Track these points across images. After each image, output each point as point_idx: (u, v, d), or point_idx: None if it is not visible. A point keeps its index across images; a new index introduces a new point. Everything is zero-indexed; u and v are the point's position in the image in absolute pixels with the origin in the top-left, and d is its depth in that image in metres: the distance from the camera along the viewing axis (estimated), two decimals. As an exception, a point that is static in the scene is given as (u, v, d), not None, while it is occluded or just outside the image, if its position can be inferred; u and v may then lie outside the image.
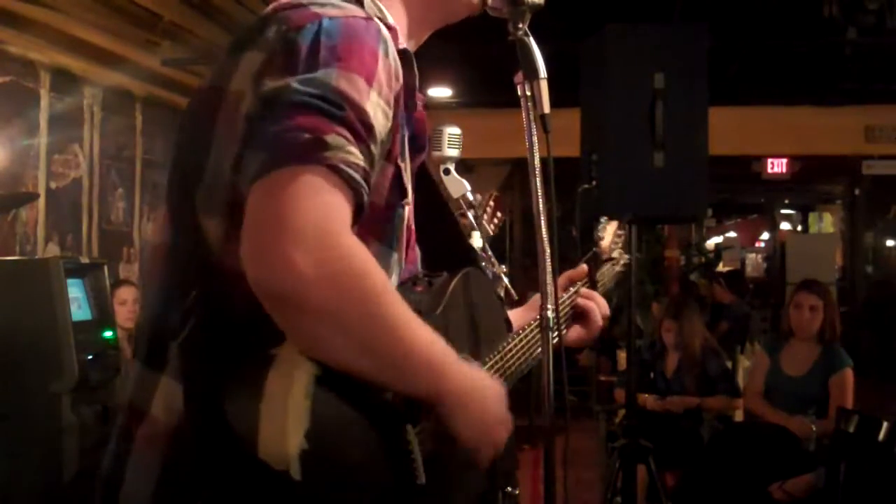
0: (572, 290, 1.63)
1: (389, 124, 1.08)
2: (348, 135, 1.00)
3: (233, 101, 1.06)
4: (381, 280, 1.01)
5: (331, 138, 0.99)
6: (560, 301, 1.50)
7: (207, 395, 0.99)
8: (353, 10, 1.10)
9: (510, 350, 1.40)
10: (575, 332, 1.62)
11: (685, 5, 5.36)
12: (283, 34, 1.06)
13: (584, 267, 1.68)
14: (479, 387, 1.14)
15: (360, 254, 0.99)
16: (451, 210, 1.43)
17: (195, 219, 1.07)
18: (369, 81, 1.04)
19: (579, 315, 1.63)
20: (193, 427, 1.01)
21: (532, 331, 1.45)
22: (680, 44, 3.19)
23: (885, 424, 3.36)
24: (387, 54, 1.08)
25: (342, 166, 0.99)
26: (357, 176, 1.00)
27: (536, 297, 1.50)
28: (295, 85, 1.00)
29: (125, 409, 1.11)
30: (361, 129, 1.02)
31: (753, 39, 6.41)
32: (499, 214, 2.03)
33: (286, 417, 0.96)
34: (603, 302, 1.65)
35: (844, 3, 5.04)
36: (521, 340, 1.43)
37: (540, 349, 1.43)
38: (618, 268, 1.87)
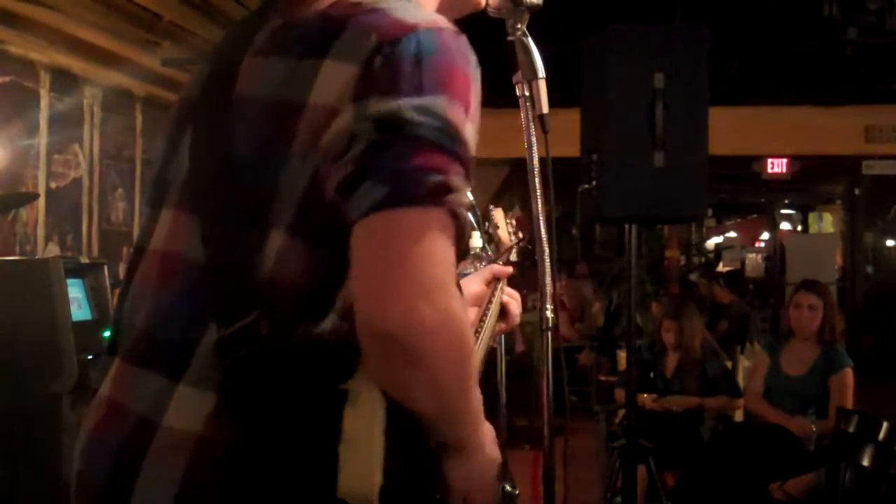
0: (498, 286, 1.68)
1: None
2: (462, 173, 0.99)
3: (319, 116, 1.00)
4: (472, 338, 1.05)
5: (454, 180, 0.98)
6: (491, 302, 1.58)
7: (265, 419, 0.99)
8: (439, 18, 1.05)
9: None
10: (497, 326, 1.68)
11: (685, 6, 5.36)
12: (377, 47, 0.99)
13: (507, 268, 1.71)
14: (490, 446, 1.15)
15: (466, 310, 1.03)
16: None
17: (255, 234, 1.02)
18: (467, 111, 1.01)
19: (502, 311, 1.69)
20: (241, 446, 0.99)
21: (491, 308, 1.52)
22: (680, 44, 3.19)
23: (885, 424, 3.36)
24: (476, 78, 1.04)
25: (459, 210, 0.98)
26: (464, 220, 1.01)
27: (464, 282, 1.57)
28: (411, 114, 0.96)
29: (128, 417, 1.06)
30: (469, 165, 1.01)
31: (753, 39, 6.41)
32: (519, 234, 2.05)
33: (370, 457, 0.97)
34: (517, 296, 1.70)
35: (844, 3, 5.04)
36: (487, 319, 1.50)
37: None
38: (520, 243, 1.93)
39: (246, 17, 1.25)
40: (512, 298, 1.68)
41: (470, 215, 2.49)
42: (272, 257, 1.00)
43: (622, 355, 5.42)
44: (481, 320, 1.52)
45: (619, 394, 4.64)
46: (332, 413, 0.97)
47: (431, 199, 0.96)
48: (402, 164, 0.95)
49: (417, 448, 1.05)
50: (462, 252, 1.04)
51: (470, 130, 1.01)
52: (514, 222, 2.72)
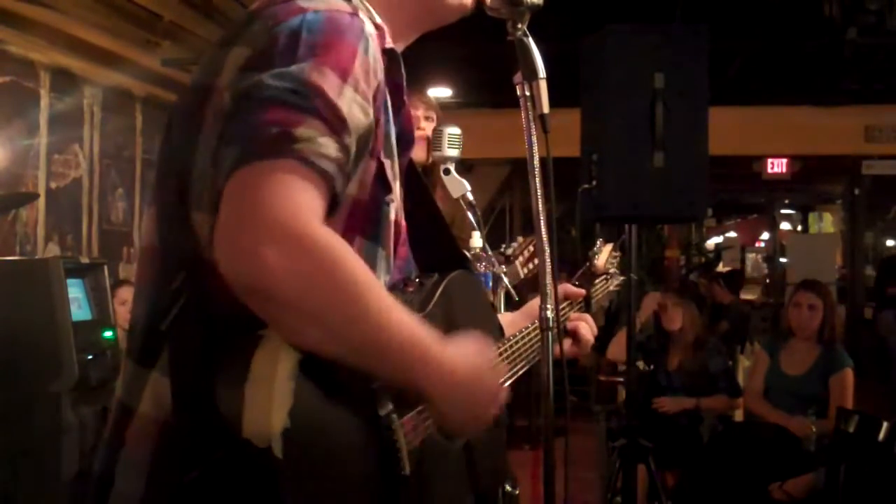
0: (565, 306, 1.64)
1: (368, 120, 1.08)
2: (320, 126, 1.01)
3: (218, 98, 1.07)
4: (356, 269, 1.01)
5: (300, 131, 0.99)
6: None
7: (195, 383, 1.00)
8: (339, 4, 1.10)
9: (503, 353, 1.40)
10: (567, 346, 1.62)
11: (685, 6, 5.36)
12: (269, 29, 1.07)
13: (581, 290, 1.69)
14: (466, 366, 1.13)
15: (332, 244, 0.99)
16: (441, 213, 1.43)
17: (186, 216, 1.08)
18: (344, 77, 1.04)
19: (571, 333, 1.64)
20: (181, 418, 1.02)
21: (528, 335, 1.46)
22: (680, 44, 3.19)
23: (885, 424, 3.36)
24: (366, 51, 1.09)
25: (313, 158, 1.00)
26: (330, 167, 1.01)
27: (532, 303, 1.53)
28: (267, 80, 1.02)
29: (115, 409, 1.12)
30: (334, 121, 1.02)
31: (753, 40, 6.41)
32: (535, 261, 2.04)
33: (271, 396, 0.97)
34: (592, 321, 1.66)
35: (844, 3, 5.04)
36: (515, 343, 1.44)
37: (533, 355, 1.46)
38: (612, 287, 1.88)
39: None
40: (582, 321, 1.63)
41: (470, 214, 2.49)
42: (203, 237, 1.05)
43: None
44: (518, 334, 1.47)
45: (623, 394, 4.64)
46: (245, 359, 0.98)
47: (275, 151, 0.98)
48: (245, 126, 1.00)
49: (339, 398, 1.04)
50: (335, 197, 1.04)
51: (348, 93, 1.04)
52: (527, 252, 2.71)
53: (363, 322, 1.01)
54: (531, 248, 2.69)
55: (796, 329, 4.03)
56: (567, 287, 1.68)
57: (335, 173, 1.02)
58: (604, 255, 1.86)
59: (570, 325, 1.63)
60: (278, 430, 0.96)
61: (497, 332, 1.45)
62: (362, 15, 1.12)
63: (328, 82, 1.03)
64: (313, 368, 1.00)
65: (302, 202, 0.98)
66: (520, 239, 2.77)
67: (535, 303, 1.47)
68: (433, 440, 1.17)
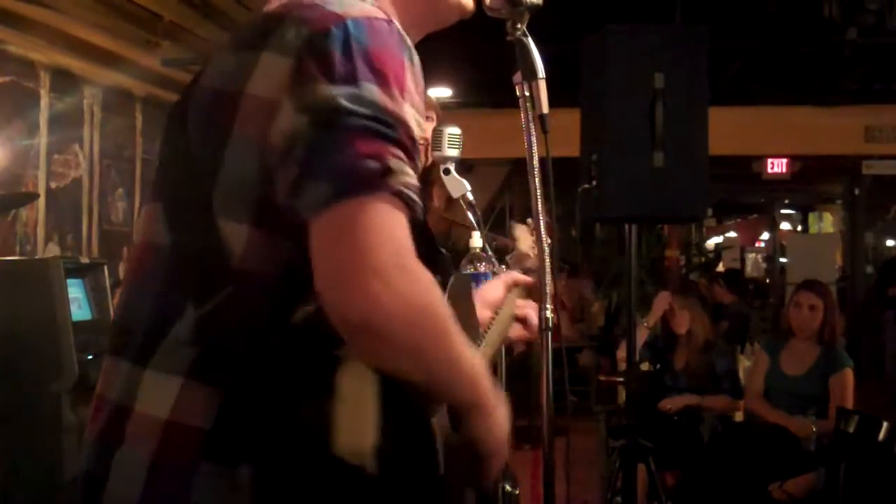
0: (512, 293, 1.68)
1: (420, 131, 1.08)
2: (402, 155, 1.02)
3: (259, 108, 1.04)
4: (444, 304, 1.07)
5: (392, 163, 1.00)
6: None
7: (251, 393, 1.02)
8: (371, 9, 1.09)
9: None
10: (517, 332, 1.68)
11: (685, 6, 5.36)
12: (308, 38, 1.04)
13: (528, 278, 1.71)
14: (500, 403, 1.18)
15: (431, 281, 1.03)
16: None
17: (209, 220, 1.06)
18: (402, 93, 1.04)
19: (521, 320, 1.68)
20: (225, 423, 1.02)
21: (495, 325, 1.54)
22: (680, 44, 3.19)
23: (885, 424, 3.36)
24: (412, 61, 1.08)
25: (402, 189, 1.00)
26: (414, 196, 1.02)
27: (489, 292, 1.62)
28: (344, 104, 1.00)
29: (107, 407, 1.10)
30: (410, 146, 1.03)
31: (753, 40, 6.41)
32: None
33: (363, 415, 1.01)
34: (535, 305, 1.70)
35: (844, 3, 5.04)
36: (490, 336, 1.50)
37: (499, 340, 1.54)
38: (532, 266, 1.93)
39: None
40: (529, 307, 1.67)
41: (470, 214, 2.49)
42: (237, 246, 1.04)
43: (622, 355, 5.42)
44: (489, 326, 1.52)
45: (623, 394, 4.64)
46: (326, 376, 1.01)
47: (372, 186, 0.99)
48: (338, 158, 0.99)
49: (413, 414, 1.09)
50: (415, 225, 1.05)
51: (409, 111, 1.05)
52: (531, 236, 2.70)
53: (447, 356, 1.05)
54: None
55: (796, 329, 4.03)
56: (514, 275, 1.71)
57: (417, 201, 1.03)
58: (523, 237, 1.89)
59: (518, 312, 1.67)
60: (371, 447, 1.00)
61: (476, 332, 1.50)
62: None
63: (398, 104, 1.03)
64: (389, 386, 1.03)
65: (401, 238, 1.00)
66: (529, 221, 2.75)
67: (494, 292, 1.60)
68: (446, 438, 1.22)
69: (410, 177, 1.02)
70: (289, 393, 1.01)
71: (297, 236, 1.00)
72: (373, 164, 0.99)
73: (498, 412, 1.16)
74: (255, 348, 1.03)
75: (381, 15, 1.08)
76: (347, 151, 0.99)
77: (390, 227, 0.99)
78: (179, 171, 1.12)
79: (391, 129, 1.01)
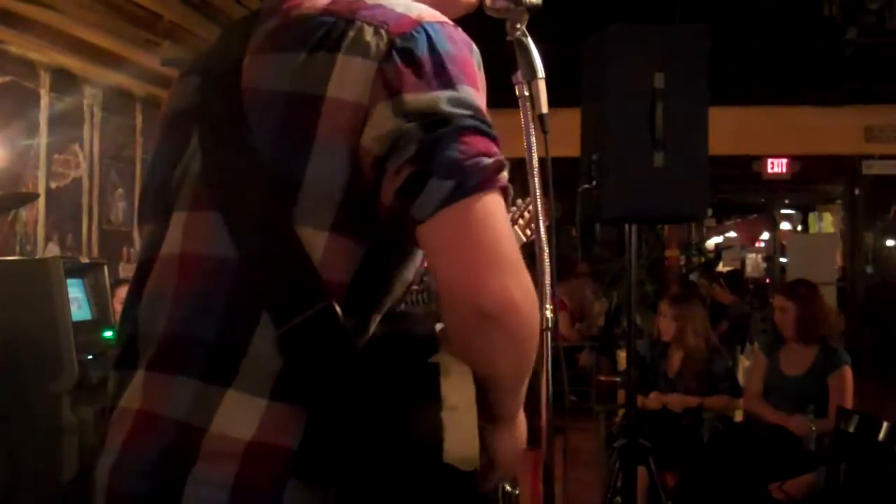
0: None
1: None
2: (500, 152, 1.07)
3: (344, 112, 1.03)
4: None
5: (502, 159, 1.05)
6: None
7: (339, 409, 1.00)
8: (436, 13, 1.11)
9: None
10: None
11: (685, 6, 5.37)
12: (391, 42, 1.04)
13: None
14: (523, 420, 1.20)
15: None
16: None
17: (286, 230, 1.03)
18: (483, 96, 1.09)
19: None
20: (313, 441, 1.00)
21: None
22: (680, 44, 3.19)
23: (885, 424, 3.36)
24: (479, 66, 1.11)
25: (506, 184, 1.06)
26: (510, 191, 1.08)
27: None
28: (449, 106, 1.03)
29: (162, 424, 1.04)
30: (499, 145, 1.07)
31: (753, 39, 6.41)
32: (533, 225, 2.03)
33: (470, 423, 1.02)
34: None
35: (844, 3, 5.04)
36: None
37: None
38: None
39: (231, 27, 1.25)
40: None
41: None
42: (319, 253, 1.03)
43: (622, 355, 5.42)
44: None
45: (623, 395, 4.63)
46: (429, 385, 1.02)
47: (491, 182, 1.03)
48: (458, 156, 1.02)
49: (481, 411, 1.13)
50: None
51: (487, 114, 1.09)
52: (527, 214, 2.69)
53: (531, 355, 1.09)
54: (529, 210, 2.65)
55: (781, 331, 4.06)
56: None
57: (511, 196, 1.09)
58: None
59: None
60: (477, 454, 1.02)
61: None
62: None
63: (483, 104, 1.07)
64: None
65: (510, 232, 1.05)
66: (519, 202, 2.74)
67: None
68: None
69: (507, 173, 1.07)
70: (379, 405, 1.00)
71: (372, 240, 1.04)
72: (489, 161, 1.03)
73: (523, 426, 1.19)
74: (341, 362, 1.02)
75: (446, 19, 1.11)
76: (465, 150, 1.02)
77: (505, 222, 1.04)
78: (244, 179, 1.06)
79: (490, 128, 1.05)
